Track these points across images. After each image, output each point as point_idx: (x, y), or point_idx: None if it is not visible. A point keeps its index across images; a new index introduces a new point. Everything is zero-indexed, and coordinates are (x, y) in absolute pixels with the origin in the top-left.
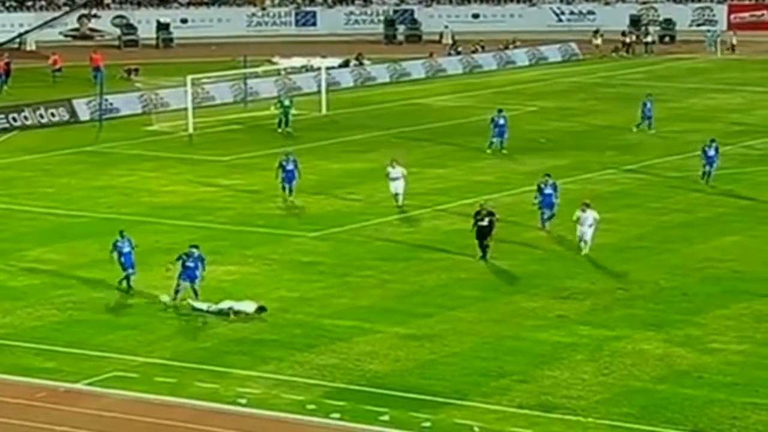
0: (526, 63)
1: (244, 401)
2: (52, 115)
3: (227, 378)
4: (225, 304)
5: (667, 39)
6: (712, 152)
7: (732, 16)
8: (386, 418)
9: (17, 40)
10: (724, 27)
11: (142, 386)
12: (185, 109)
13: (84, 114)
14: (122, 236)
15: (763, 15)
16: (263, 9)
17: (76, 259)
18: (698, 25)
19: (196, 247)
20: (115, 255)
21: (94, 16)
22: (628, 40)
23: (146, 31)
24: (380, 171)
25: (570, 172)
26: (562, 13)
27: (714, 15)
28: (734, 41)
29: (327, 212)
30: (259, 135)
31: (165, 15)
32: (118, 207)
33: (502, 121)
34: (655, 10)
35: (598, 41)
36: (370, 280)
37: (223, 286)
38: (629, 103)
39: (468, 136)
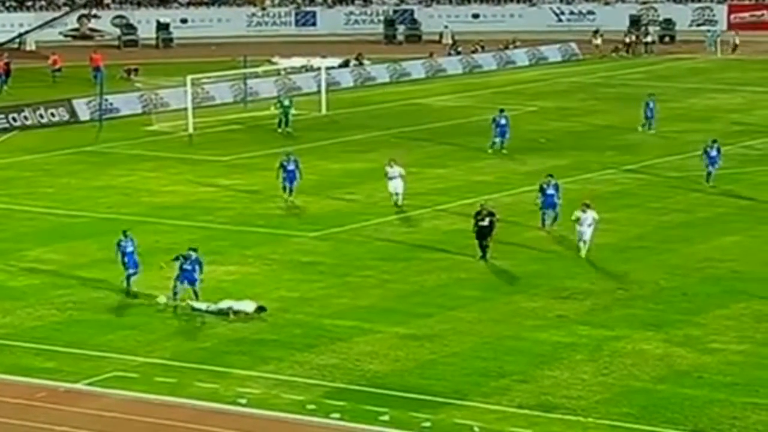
0: (526, 63)
1: (244, 401)
2: (52, 115)
3: (227, 378)
4: (224, 304)
5: (667, 39)
6: (714, 153)
7: (732, 16)
8: (386, 418)
9: (17, 40)
10: (724, 27)
11: (142, 386)
12: (185, 109)
13: (84, 114)
14: (125, 236)
15: (763, 15)
16: (263, 9)
17: (76, 259)
18: (698, 25)
19: (194, 250)
20: (119, 255)
21: (94, 16)
22: (628, 40)
23: (146, 31)
24: (380, 171)
25: (570, 172)
26: (562, 13)
27: (714, 15)
28: (737, 41)
29: (327, 212)
30: (259, 135)
31: (165, 15)
32: (118, 207)
33: (503, 121)
34: (655, 10)
35: (598, 41)
36: (370, 280)
37: (223, 286)
38: (629, 103)
39: (468, 136)
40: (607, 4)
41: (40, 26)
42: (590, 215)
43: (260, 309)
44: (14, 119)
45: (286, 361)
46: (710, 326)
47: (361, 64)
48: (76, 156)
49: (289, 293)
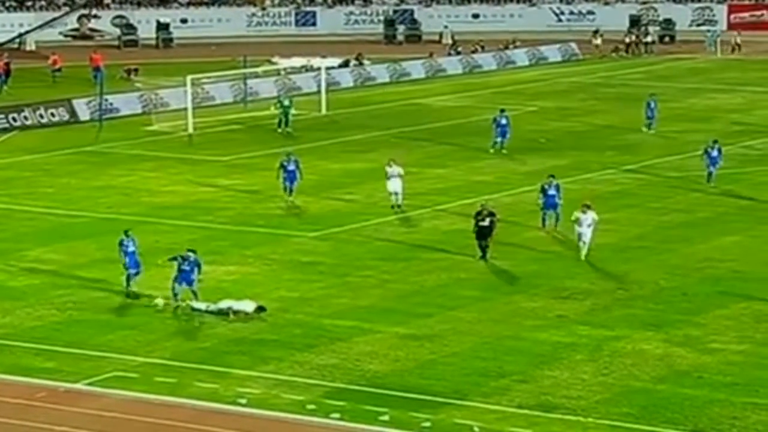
0: (526, 63)
1: (244, 401)
2: (52, 115)
3: (227, 378)
4: (224, 304)
5: (667, 39)
6: (715, 153)
7: (732, 16)
8: (386, 418)
9: (17, 40)
10: (724, 27)
11: (142, 386)
12: (185, 109)
13: (84, 114)
14: (127, 235)
15: (762, 15)
16: (263, 9)
17: (76, 259)
18: (698, 25)
19: (193, 251)
20: (122, 255)
21: (94, 16)
22: (628, 40)
23: (146, 31)
24: (380, 171)
25: (570, 172)
26: (562, 13)
27: (714, 15)
28: (738, 41)
29: (327, 212)
30: (259, 135)
31: (165, 15)
32: (118, 207)
33: (504, 121)
34: (655, 10)
35: (598, 41)
36: (370, 280)
37: (223, 286)
38: (629, 103)
39: (468, 136)
40: (607, 4)
41: (40, 26)
42: (590, 216)
43: (260, 309)
44: (14, 119)
45: (286, 361)
46: (710, 326)
47: (361, 64)
48: (76, 156)
49: (289, 293)
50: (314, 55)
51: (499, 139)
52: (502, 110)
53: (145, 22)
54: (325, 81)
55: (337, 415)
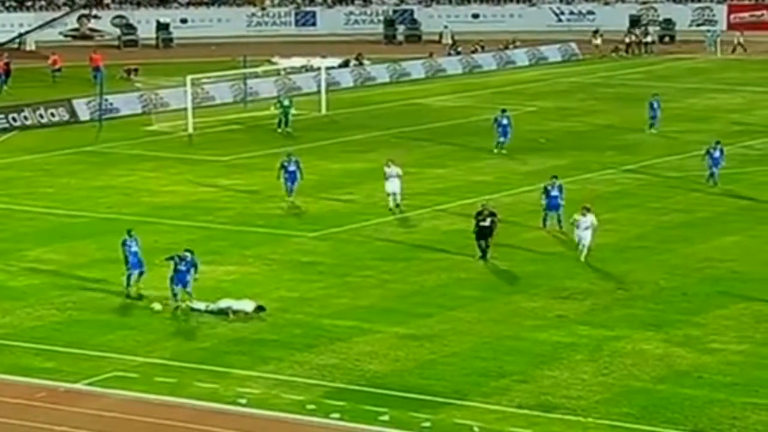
0: (526, 63)
1: (244, 401)
2: (52, 115)
3: (227, 378)
4: (223, 304)
5: (666, 39)
6: (717, 154)
7: (732, 16)
8: (386, 418)
9: (17, 40)
10: (724, 27)
11: (142, 386)
12: (185, 109)
13: (84, 114)
14: (130, 235)
15: (762, 15)
16: (263, 9)
17: (76, 259)
18: (698, 25)
19: (190, 251)
20: (126, 255)
21: (94, 16)
22: (627, 40)
23: (146, 31)
24: (380, 171)
25: (570, 172)
26: (562, 13)
27: (714, 15)
28: (741, 40)
29: (327, 212)
30: (258, 135)
31: (165, 15)
32: (118, 207)
33: (505, 121)
34: (655, 10)
35: (598, 41)
36: (370, 280)
37: (223, 286)
38: (629, 103)
39: (468, 136)
40: (607, 4)
41: (40, 26)
42: (589, 219)
43: (259, 308)
44: (14, 119)
45: (286, 361)
46: (710, 326)
47: (361, 64)
48: (76, 156)
49: (289, 293)
50: (314, 55)
51: (501, 139)
52: (504, 110)
53: (145, 22)
54: (325, 81)
55: (337, 415)
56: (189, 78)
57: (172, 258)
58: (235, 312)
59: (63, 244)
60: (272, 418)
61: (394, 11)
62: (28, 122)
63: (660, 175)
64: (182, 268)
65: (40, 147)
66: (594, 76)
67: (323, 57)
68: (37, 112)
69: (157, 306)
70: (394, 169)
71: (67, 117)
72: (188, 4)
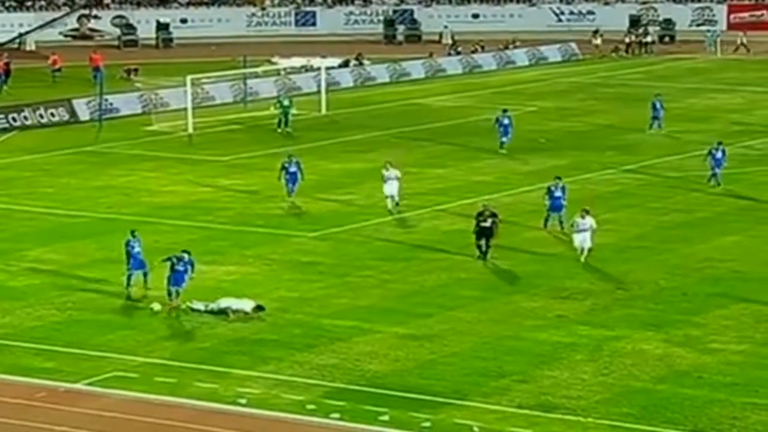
0: (526, 63)
1: (244, 401)
2: (52, 115)
3: (227, 378)
4: (223, 303)
5: (666, 39)
6: (719, 155)
7: (732, 16)
8: (386, 418)
9: (17, 40)
10: (724, 27)
11: (142, 386)
12: (185, 109)
13: (84, 114)
14: (133, 236)
15: (762, 15)
16: (263, 9)
17: (76, 259)
18: (698, 25)
19: (187, 252)
20: (132, 254)
21: (94, 16)
22: (627, 40)
23: (146, 31)
24: (380, 171)
25: (570, 172)
26: (562, 13)
27: (714, 15)
28: (744, 41)
29: (327, 212)
30: (258, 135)
31: (165, 15)
32: (118, 207)
33: (506, 121)
34: (655, 10)
35: (598, 41)
36: (370, 280)
37: (223, 286)
38: (629, 103)
39: (468, 136)
40: (607, 4)
41: (40, 26)
42: (588, 221)
43: (258, 308)
44: (14, 119)
45: (286, 361)
46: (710, 326)
47: (361, 64)
48: (76, 156)
49: (289, 293)
50: (314, 55)
51: (504, 139)
52: (505, 110)
53: (145, 22)
54: (325, 81)
55: (337, 415)
56: (189, 78)
57: (169, 259)
58: (234, 312)
59: (63, 244)
60: (272, 418)
61: (394, 11)
62: (28, 122)
63: (660, 175)
64: (180, 268)
65: (40, 147)
66: (594, 76)
67: (323, 57)
68: (37, 112)
69: (156, 306)
70: (392, 172)
71: (67, 117)
72: (188, 4)
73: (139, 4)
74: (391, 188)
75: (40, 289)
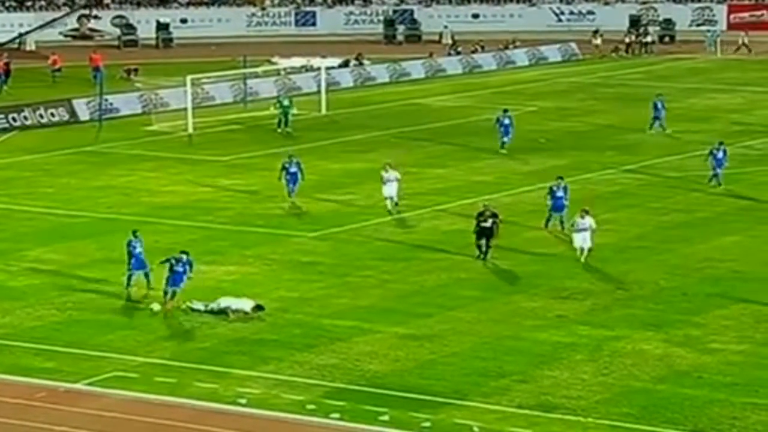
0: (526, 63)
1: (244, 401)
2: (52, 115)
3: (227, 378)
4: (222, 303)
5: (666, 39)
6: (720, 155)
7: (732, 16)
8: (386, 418)
9: (17, 40)
10: (724, 27)
11: (142, 386)
12: (185, 109)
13: (84, 114)
14: (135, 236)
15: (762, 15)
16: (263, 9)
17: (76, 259)
18: (698, 25)
19: (186, 253)
20: (130, 254)
21: (94, 16)
22: (627, 40)
23: (146, 31)
24: (380, 171)
25: (570, 172)
26: (562, 13)
27: (714, 15)
28: (746, 41)
29: (327, 212)
30: (258, 135)
31: (165, 15)
32: (118, 207)
33: (507, 121)
34: (655, 10)
35: (598, 41)
36: (370, 280)
37: (223, 286)
38: (629, 103)
39: (468, 136)
40: (607, 4)
41: (40, 26)
42: (587, 221)
43: (258, 308)
44: (14, 119)
45: (286, 361)
46: (710, 326)
47: (361, 64)
48: (76, 156)
49: (289, 293)
50: (314, 55)
51: (505, 139)
52: (506, 110)
53: (145, 22)
54: (325, 81)
55: (337, 415)
56: (189, 78)
57: (167, 260)
58: (234, 311)
59: (63, 244)
60: (272, 418)
61: (394, 11)
62: (28, 122)
63: (660, 175)
64: (179, 269)
65: (40, 147)
66: (594, 76)
67: (323, 57)
68: (37, 112)
69: (156, 306)
70: (392, 174)
71: (67, 117)
72: (188, 4)
73: (139, 4)
74: (390, 190)
75: (40, 289)
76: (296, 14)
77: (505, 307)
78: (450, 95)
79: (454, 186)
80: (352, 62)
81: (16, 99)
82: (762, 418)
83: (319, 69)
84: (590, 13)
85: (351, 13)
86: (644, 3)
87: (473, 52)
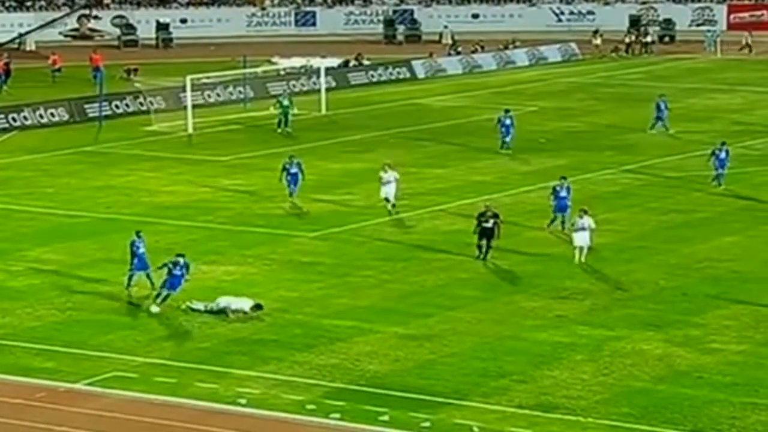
0: (526, 63)
1: (243, 401)
2: (52, 115)
3: (227, 378)
4: (222, 302)
5: (666, 39)
6: (723, 155)
7: (732, 16)
8: (386, 418)
9: (17, 40)
10: (724, 27)
11: (142, 386)
12: (185, 108)
13: (84, 114)
14: (139, 236)
15: (762, 15)
16: (263, 9)
17: (76, 259)
18: (698, 25)
19: (182, 255)
20: (133, 254)
21: (94, 16)
22: (627, 40)
23: (146, 31)
24: (379, 172)
25: (570, 172)
26: (562, 13)
27: (714, 15)
28: (750, 41)
29: (327, 212)
30: (258, 135)
31: (165, 15)
32: (118, 207)
33: (508, 122)
34: (655, 10)
35: (598, 41)
36: (370, 280)
37: (223, 286)
38: (629, 103)
39: (468, 136)
40: (607, 4)
41: (40, 26)
42: (586, 221)
43: (257, 307)
44: (14, 119)
45: (286, 361)
46: (710, 326)
47: (361, 64)
48: (76, 156)
49: (289, 293)
50: (314, 55)
51: (507, 138)
52: (507, 110)
53: (145, 22)
54: (324, 81)
55: (336, 415)
56: (189, 78)
57: (165, 265)
58: (234, 311)
59: (63, 244)
60: (272, 418)
61: (394, 11)
62: (28, 122)
63: (660, 175)
64: (177, 272)
65: (40, 147)
66: (594, 76)
67: (323, 57)
68: (37, 112)
69: (154, 308)
70: (391, 174)
71: (67, 117)
72: (188, 4)
73: (139, 4)
74: (389, 190)
75: (40, 289)
76: (296, 14)
77: (505, 307)
78: (450, 95)
79: (454, 186)
80: (352, 62)
81: (16, 99)
82: (762, 418)
83: (318, 69)
84: (590, 13)
85: (351, 13)
86: (644, 3)
87: (473, 52)
